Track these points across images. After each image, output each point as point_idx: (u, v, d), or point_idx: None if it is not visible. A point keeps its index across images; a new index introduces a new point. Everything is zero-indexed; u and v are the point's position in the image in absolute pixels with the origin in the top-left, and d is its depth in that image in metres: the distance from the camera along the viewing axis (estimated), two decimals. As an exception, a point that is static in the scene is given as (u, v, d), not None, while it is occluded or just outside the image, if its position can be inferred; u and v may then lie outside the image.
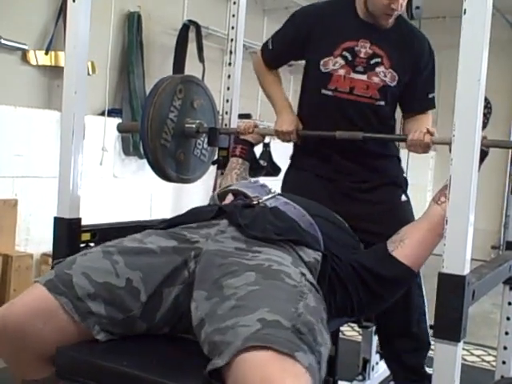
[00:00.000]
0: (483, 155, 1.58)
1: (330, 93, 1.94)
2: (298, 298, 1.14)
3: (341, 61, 1.91)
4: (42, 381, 1.28)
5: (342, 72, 1.91)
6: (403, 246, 1.48)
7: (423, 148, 1.80)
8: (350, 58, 1.91)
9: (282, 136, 2.01)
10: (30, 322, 1.20)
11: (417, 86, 1.97)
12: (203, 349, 1.10)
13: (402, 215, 1.94)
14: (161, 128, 1.97)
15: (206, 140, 2.13)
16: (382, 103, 1.94)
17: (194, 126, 2.07)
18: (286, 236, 1.37)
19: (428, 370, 1.96)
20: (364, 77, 1.91)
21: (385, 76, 1.91)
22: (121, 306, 1.24)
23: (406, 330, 1.98)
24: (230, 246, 1.31)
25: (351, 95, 1.92)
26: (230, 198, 1.66)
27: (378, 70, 1.90)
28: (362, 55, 1.90)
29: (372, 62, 1.90)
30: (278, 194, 1.61)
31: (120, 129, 2.54)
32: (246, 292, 1.13)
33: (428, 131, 1.78)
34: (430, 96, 2.01)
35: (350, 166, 1.99)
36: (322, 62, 1.93)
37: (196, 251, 1.32)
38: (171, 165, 2.05)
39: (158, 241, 1.35)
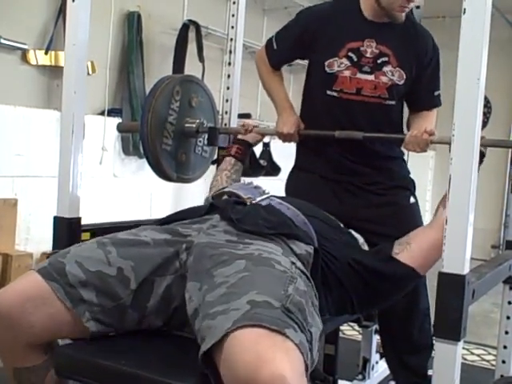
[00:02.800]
0: (481, 156, 1.58)
1: (335, 94, 1.92)
2: (287, 281, 1.15)
3: (346, 62, 1.89)
4: (32, 368, 1.29)
5: (347, 73, 1.89)
6: (409, 250, 1.48)
7: (421, 147, 1.79)
8: (355, 58, 1.89)
9: (283, 137, 2.00)
10: (23, 308, 1.21)
11: (422, 84, 1.96)
12: (197, 338, 1.10)
13: (411, 217, 1.93)
14: (161, 133, 1.96)
15: (206, 137, 2.13)
16: (392, 102, 1.92)
17: (193, 125, 2.07)
18: (277, 230, 1.38)
19: (430, 372, 1.95)
20: (371, 77, 1.89)
21: (392, 75, 1.89)
22: (111, 294, 1.26)
23: (408, 331, 1.97)
24: (222, 239, 1.33)
25: (359, 96, 1.90)
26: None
27: (385, 69, 1.88)
28: (368, 55, 1.88)
29: (379, 61, 1.89)
30: (272, 196, 1.62)
31: (120, 129, 2.55)
32: (236, 279, 1.14)
33: (425, 130, 1.78)
34: (436, 94, 2.00)
35: (357, 168, 1.97)
36: (326, 63, 1.91)
37: (188, 243, 1.34)
38: (173, 167, 2.05)
39: (151, 234, 1.38)
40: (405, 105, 2.05)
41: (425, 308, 1.96)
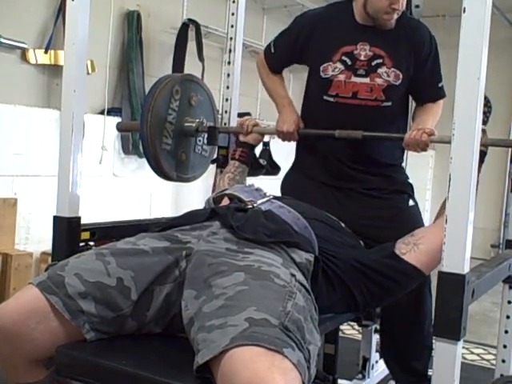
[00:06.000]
0: (482, 155, 1.57)
1: (331, 99, 1.93)
2: (286, 297, 1.14)
3: (340, 66, 1.90)
4: None
5: (342, 77, 1.90)
6: (417, 251, 1.48)
7: (421, 147, 1.79)
8: (349, 62, 1.89)
9: (283, 136, 2.00)
10: (24, 323, 1.20)
11: (425, 77, 1.95)
12: (193, 347, 1.10)
13: (410, 220, 1.93)
14: (160, 132, 1.96)
15: (206, 136, 2.12)
16: (389, 103, 1.92)
17: (193, 124, 2.06)
18: (277, 238, 1.37)
19: (430, 371, 1.95)
20: (367, 80, 1.89)
21: (388, 76, 1.89)
22: (111, 305, 1.25)
23: (415, 334, 1.96)
24: (221, 247, 1.32)
25: (355, 100, 1.90)
26: (225, 202, 1.66)
27: (380, 71, 1.89)
28: (362, 58, 1.89)
29: (373, 63, 1.89)
30: (273, 198, 1.61)
31: (119, 128, 2.54)
32: (234, 292, 1.13)
33: (424, 131, 1.77)
34: (440, 85, 1.99)
35: (357, 175, 1.97)
36: (321, 68, 1.92)
37: (187, 251, 1.33)
38: (173, 166, 2.05)
39: (150, 242, 1.36)
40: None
41: (430, 310, 1.96)
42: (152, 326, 1.30)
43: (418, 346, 1.97)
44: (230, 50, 2.40)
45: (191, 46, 4.03)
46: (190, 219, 1.49)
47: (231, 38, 2.40)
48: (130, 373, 1.12)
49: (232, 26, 2.40)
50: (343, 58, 1.90)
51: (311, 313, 1.19)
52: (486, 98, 1.21)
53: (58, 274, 1.26)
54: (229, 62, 2.40)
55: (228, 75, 2.41)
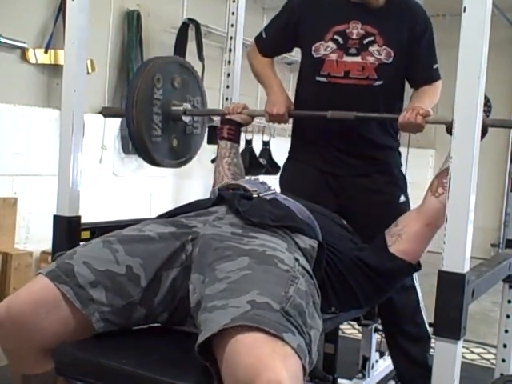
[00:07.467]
0: (483, 132, 1.57)
1: (323, 79, 1.90)
2: (289, 282, 1.15)
3: (332, 45, 1.88)
4: (41, 375, 1.28)
5: (334, 57, 1.88)
6: (400, 241, 1.49)
7: (416, 129, 1.75)
8: (341, 41, 1.87)
9: (273, 119, 1.96)
10: (34, 313, 1.21)
11: (419, 58, 1.94)
12: (198, 330, 1.11)
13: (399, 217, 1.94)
14: (149, 126, 1.91)
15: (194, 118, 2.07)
16: (381, 82, 1.89)
17: (180, 108, 1.99)
18: (282, 222, 1.38)
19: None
20: (358, 58, 1.87)
21: (379, 54, 1.86)
22: (122, 293, 1.26)
23: (401, 326, 1.99)
24: (227, 231, 1.33)
25: (347, 79, 1.88)
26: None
27: (371, 49, 1.86)
28: (354, 37, 1.87)
29: (365, 41, 1.87)
30: (277, 192, 1.62)
31: (105, 113, 2.48)
32: (238, 276, 1.14)
33: (419, 112, 1.73)
34: (435, 67, 1.97)
35: (350, 161, 1.95)
36: (313, 48, 1.90)
37: (193, 235, 1.35)
38: (170, 156, 2.01)
39: (156, 228, 1.38)
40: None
41: (407, 302, 1.96)
42: (159, 312, 1.31)
43: (410, 334, 1.98)
44: (230, 50, 2.40)
45: (191, 45, 4.03)
46: (196, 206, 1.50)
47: (231, 38, 2.40)
48: (131, 372, 1.12)
49: (232, 26, 2.40)
50: (335, 36, 1.88)
51: (313, 298, 1.20)
52: (485, 97, 1.21)
53: (67, 263, 1.26)
54: (229, 62, 2.40)
55: (228, 75, 2.41)
